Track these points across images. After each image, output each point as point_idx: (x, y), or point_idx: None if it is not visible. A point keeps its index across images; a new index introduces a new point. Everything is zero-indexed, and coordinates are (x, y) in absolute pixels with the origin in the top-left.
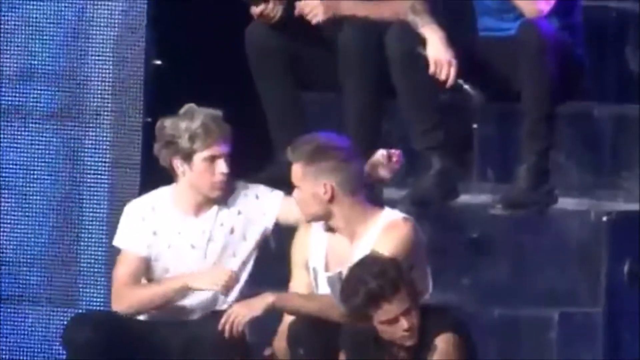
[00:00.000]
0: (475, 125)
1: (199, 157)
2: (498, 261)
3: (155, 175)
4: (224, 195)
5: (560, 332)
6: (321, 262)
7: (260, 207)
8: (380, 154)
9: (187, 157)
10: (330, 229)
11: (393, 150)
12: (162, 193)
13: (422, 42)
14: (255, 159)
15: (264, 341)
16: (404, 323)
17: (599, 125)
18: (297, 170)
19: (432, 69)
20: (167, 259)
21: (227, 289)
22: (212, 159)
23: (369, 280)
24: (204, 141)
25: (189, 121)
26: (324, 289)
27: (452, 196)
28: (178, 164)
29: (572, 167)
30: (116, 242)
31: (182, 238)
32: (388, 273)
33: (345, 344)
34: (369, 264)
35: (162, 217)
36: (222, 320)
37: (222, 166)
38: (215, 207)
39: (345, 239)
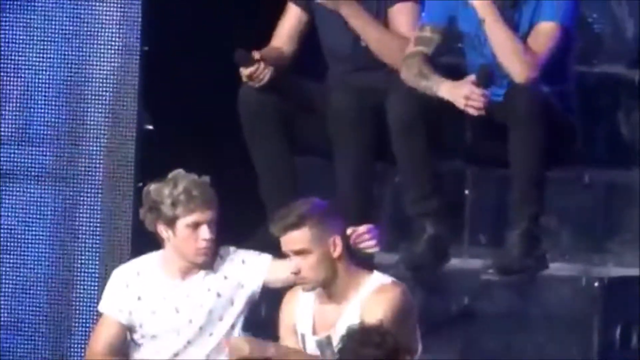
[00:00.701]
0: (467, 191)
1: (181, 223)
2: (489, 327)
3: (148, 238)
4: (210, 260)
5: None
6: (308, 326)
7: (247, 271)
8: (351, 233)
9: (170, 222)
10: (323, 296)
11: (363, 228)
12: (149, 258)
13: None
14: (247, 224)
15: None
16: None
17: (590, 190)
18: (301, 235)
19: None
20: (152, 324)
21: None
22: (195, 225)
23: (374, 350)
24: (186, 207)
25: (172, 187)
26: (313, 352)
27: (444, 261)
28: (162, 229)
29: (563, 232)
30: (100, 306)
31: (166, 303)
32: (387, 341)
33: None
34: (368, 334)
35: (148, 282)
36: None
37: (205, 232)
38: (202, 272)
39: (333, 303)
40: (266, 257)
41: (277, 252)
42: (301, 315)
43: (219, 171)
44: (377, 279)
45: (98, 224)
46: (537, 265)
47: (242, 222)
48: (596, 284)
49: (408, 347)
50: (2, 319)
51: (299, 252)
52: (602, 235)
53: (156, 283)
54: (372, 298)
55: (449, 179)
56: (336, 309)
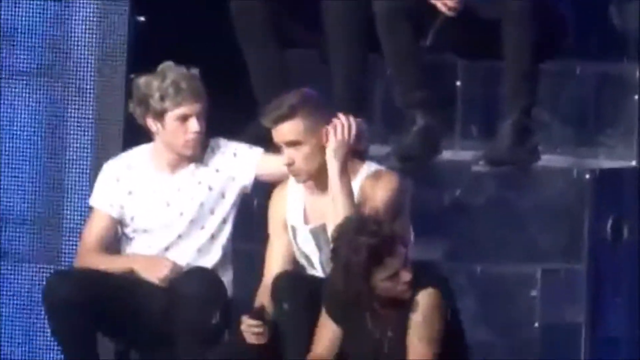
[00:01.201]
0: (458, 83)
1: (170, 116)
2: (481, 218)
3: (140, 132)
4: (201, 153)
5: (543, 289)
6: (300, 217)
7: (239, 164)
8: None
9: (159, 116)
10: (314, 187)
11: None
12: (140, 151)
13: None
14: (238, 118)
15: (246, 297)
16: (404, 275)
17: (582, 82)
18: (293, 126)
19: None
20: (143, 218)
21: (166, 281)
22: (184, 117)
23: (369, 237)
24: (174, 100)
25: (161, 80)
26: (304, 244)
27: (435, 153)
28: (151, 123)
29: (555, 125)
30: (91, 201)
31: (157, 196)
32: (384, 228)
33: (327, 298)
34: (364, 221)
35: (138, 175)
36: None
37: (193, 125)
38: (191, 165)
39: (325, 193)
40: (258, 150)
41: (269, 145)
42: (291, 208)
43: (211, 64)
44: (371, 168)
45: (90, 117)
46: (529, 157)
47: (233, 116)
48: (587, 176)
49: (402, 236)
50: None
51: (290, 144)
52: (593, 127)
53: (146, 177)
54: (368, 184)
55: (440, 71)
56: (328, 199)
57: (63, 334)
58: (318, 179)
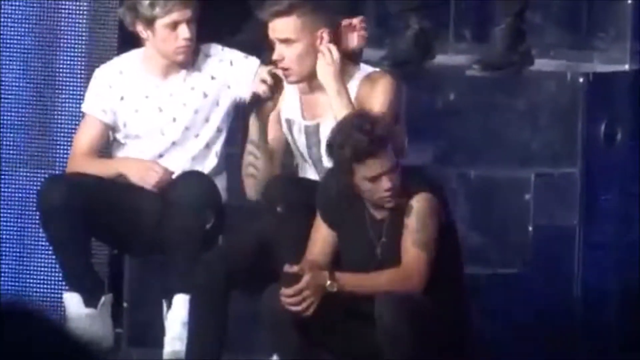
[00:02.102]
0: None
1: (160, 23)
2: (474, 122)
3: (134, 36)
4: (193, 59)
5: (536, 193)
6: (297, 112)
7: (235, 73)
8: (344, 23)
9: (149, 23)
10: (309, 89)
11: (355, 20)
12: (132, 56)
13: None
14: (232, 20)
15: (239, 201)
16: (385, 182)
17: None
18: (289, 23)
19: None
20: (135, 124)
21: (157, 186)
22: (174, 24)
23: (358, 135)
24: (163, 7)
25: None
26: (299, 138)
27: (429, 57)
28: (141, 29)
29: (548, 28)
30: (83, 107)
31: (149, 101)
32: (376, 129)
33: (321, 201)
34: (359, 119)
35: (130, 81)
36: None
37: (184, 31)
38: (183, 71)
39: (321, 93)
40: (255, 62)
41: (263, 49)
42: (287, 102)
43: None
44: (366, 69)
45: (83, 21)
46: (522, 60)
47: (227, 18)
48: (581, 80)
49: (395, 140)
50: None
51: (284, 41)
52: (587, 31)
53: (139, 82)
54: (364, 86)
55: None
56: (325, 98)
57: (57, 238)
58: (310, 80)
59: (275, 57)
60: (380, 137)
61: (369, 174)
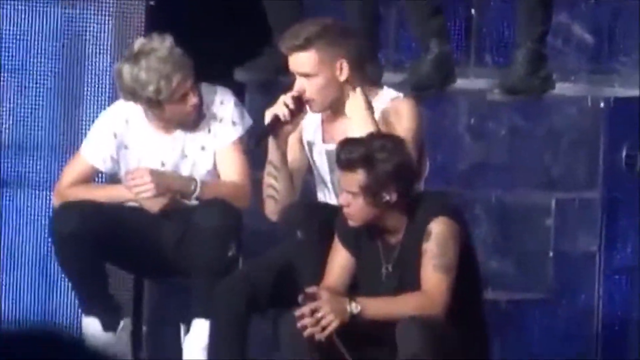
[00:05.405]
0: (473, 10)
1: (167, 104)
2: (495, 147)
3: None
4: (197, 116)
5: (558, 218)
6: (318, 135)
7: (218, 134)
8: None
9: (156, 104)
10: (332, 114)
11: None
12: (138, 107)
13: None
14: (253, 46)
15: (256, 224)
16: (343, 198)
17: (597, 9)
18: (307, 57)
19: None
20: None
21: (158, 190)
22: (181, 97)
23: (384, 156)
24: (169, 89)
25: (148, 72)
26: (320, 162)
27: (450, 81)
28: (146, 107)
29: (569, 52)
30: (82, 149)
31: (152, 155)
32: (399, 152)
33: (339, 226)
34: (382, 139)
35: (136, 131)
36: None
37: (191, 99)
38: (188, 126)
39: (343, 118)
40: (236, 130)
41: (284, 74)
42: (308, 125)
43: None
44: (389, 94)
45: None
46: (543, 85)
47: (248, 44)
48: (602, 104)
49: (416, 164)
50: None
51: (304, 74)
52: (608, 55)
53: (144, 134)
54: (389, 109)
55: None
56: (347, 123)
57: (70, 265)
58: (335, 108)
59: (296, 89)
60: (403, 160)
61: (342, 185)
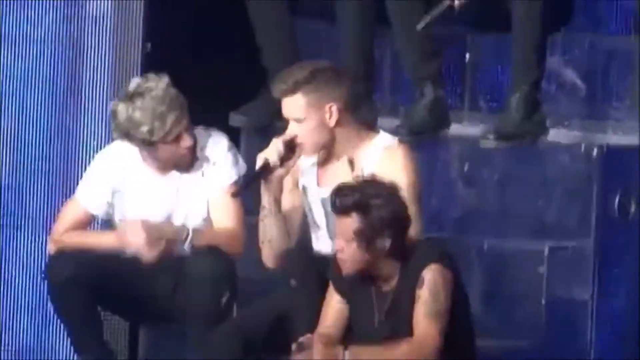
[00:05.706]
0: (467, 56)
1: (161, 144)
2: (488, 193)
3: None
4: (190, 158)
5: (550, 265)
6: (312, 179)
7: (212, 177)
8: None
9: (150, 144)
10: (325, 158)
11: None
12: (133, 150)
13: None
14: (248, 88)
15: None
16: (338, 243)
17: (591, 55)
18: (296, 102)
19: None
20: (133, 214)
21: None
22: (175, 139)
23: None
24: (162, 130)
25: (142, 112)
26: (315, 206)
27: (444, 125)
28: (141, 147)
29: (562, 98)
30: (77, 193)
31: (149, 197)
32: (394, 199)
33: (333, 272)
34: (377, 186)
35: (131, 175)
36: None
37: (185, 141)
38: (182, 168)
39: (337, 162)
40: (229, 173)
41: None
42: (304, 169)
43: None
44: (385, 138)
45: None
46: (537, 130)
47: (244, 86)
48: (595, 151)
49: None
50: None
51: (294, 119)
52: (601, 101)
53: (140, 178)
54: (386, 155)
55: (449, 43)
56: (342, 166)
57: (65, 311)
58: (328, 151)
59: (287, 133)
60: (397, 210)
61: (337, 230)
